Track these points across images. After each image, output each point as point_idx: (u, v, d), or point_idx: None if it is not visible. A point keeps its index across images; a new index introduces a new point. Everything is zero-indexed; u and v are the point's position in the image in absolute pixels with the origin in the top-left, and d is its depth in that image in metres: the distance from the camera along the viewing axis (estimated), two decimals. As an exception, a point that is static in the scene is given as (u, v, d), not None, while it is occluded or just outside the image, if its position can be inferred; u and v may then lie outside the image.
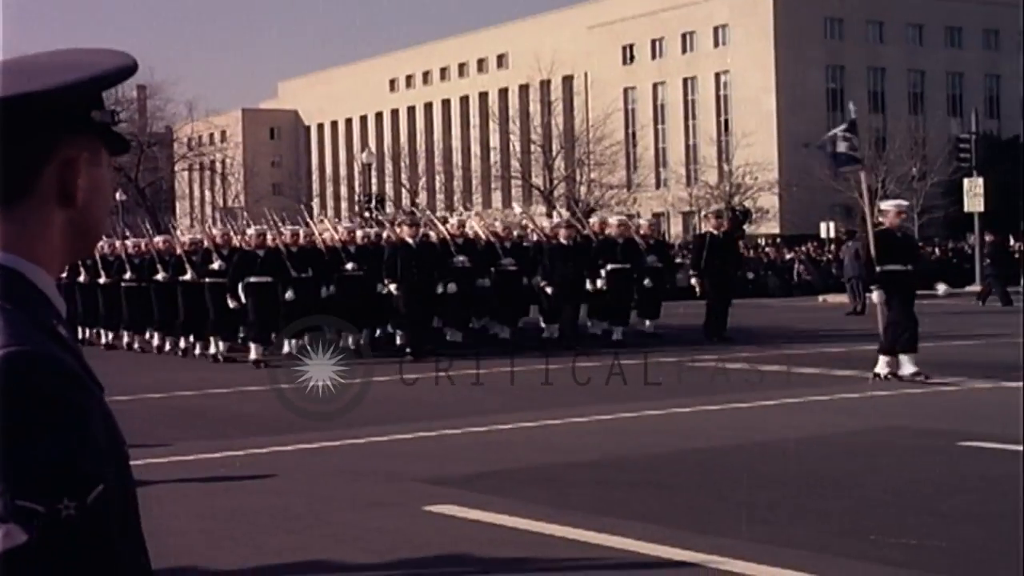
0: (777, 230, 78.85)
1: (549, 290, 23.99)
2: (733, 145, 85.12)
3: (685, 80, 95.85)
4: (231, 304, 22.06)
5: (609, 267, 23.99)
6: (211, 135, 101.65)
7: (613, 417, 14.36)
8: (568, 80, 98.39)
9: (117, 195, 68.61)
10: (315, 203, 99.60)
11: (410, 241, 22.50)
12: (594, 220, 27.26)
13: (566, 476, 10.90)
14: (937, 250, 52.81)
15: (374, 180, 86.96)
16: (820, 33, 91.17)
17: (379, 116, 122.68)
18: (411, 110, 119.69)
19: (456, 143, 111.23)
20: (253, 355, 21.89)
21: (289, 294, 22.42)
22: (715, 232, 25.55)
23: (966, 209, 48.19)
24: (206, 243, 23.92)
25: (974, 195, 47.20)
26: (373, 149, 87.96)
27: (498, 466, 11.40)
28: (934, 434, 12.73)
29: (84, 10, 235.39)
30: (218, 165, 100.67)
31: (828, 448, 12.16)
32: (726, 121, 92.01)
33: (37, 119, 1.72)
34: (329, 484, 10.76)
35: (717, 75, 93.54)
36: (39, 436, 1.57)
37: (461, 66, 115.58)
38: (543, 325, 25.15)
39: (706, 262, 24.84)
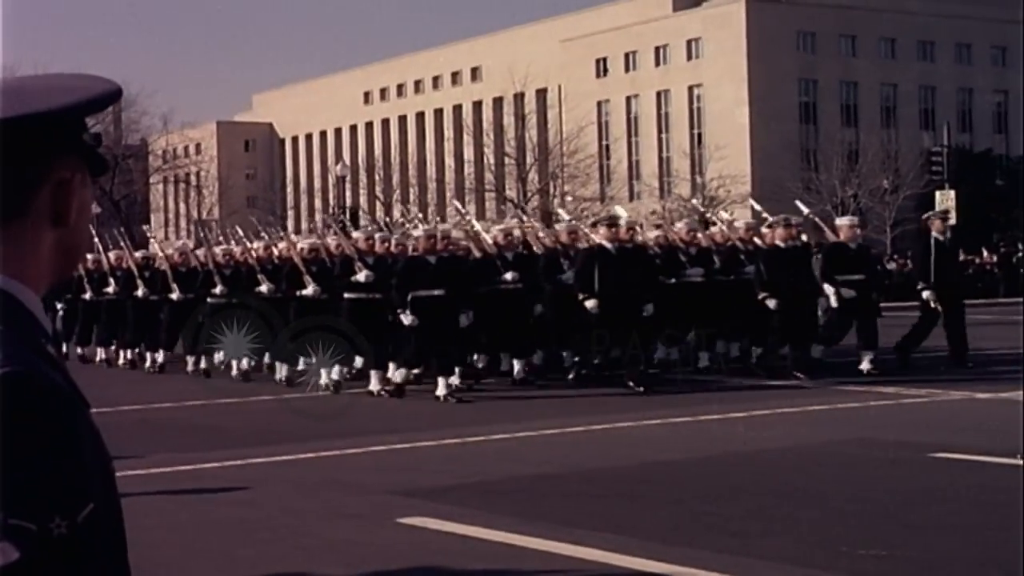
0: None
1: (772, 304, 19.28)
2: (706, 158, 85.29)
3: (658, 93, 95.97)
4: (406, 322, 17.83)
5: (842, 279, 19.74)
6: (186, 148, 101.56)
7: (585, 429, 14.38)
8: (542, 93, 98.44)
9: (92, 208, 68.55)
10: (289, 215, 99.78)
11: (608, 246, 18.51)
12: (771, 221, 21.16)
13: (537, 488, 10.92)
14: (910, 263, 52.85)
15: (348, 192, 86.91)
16: (793, 47, 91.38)
17: (353, 129, 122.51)
18: (385, 123, 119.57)
19: (430, 156, 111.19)
20: (398, 378, 18.24)
21: (463, 319, 18.39)
22: (940, 237, 20.95)
23: (938, 222, 48.40)
24: (347, 250, 20.14)
25: (946, 208, 47.45)
26: (348, 162, 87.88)
27: (470, 478, 11.41)
28: (906, 445, 12.73)
29: (59, 23, 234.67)
30: (193, 178, 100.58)
31: (799, 459, 12.16)
32: (699, 134, 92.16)
33: (35, 140, 1.74)
34: (302, 496, 10.76)
35: (690, 88, 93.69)
36: (32, 456, 1.60)
37: (435, 79, 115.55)
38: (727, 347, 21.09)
39: (935, 273, 20.57)
